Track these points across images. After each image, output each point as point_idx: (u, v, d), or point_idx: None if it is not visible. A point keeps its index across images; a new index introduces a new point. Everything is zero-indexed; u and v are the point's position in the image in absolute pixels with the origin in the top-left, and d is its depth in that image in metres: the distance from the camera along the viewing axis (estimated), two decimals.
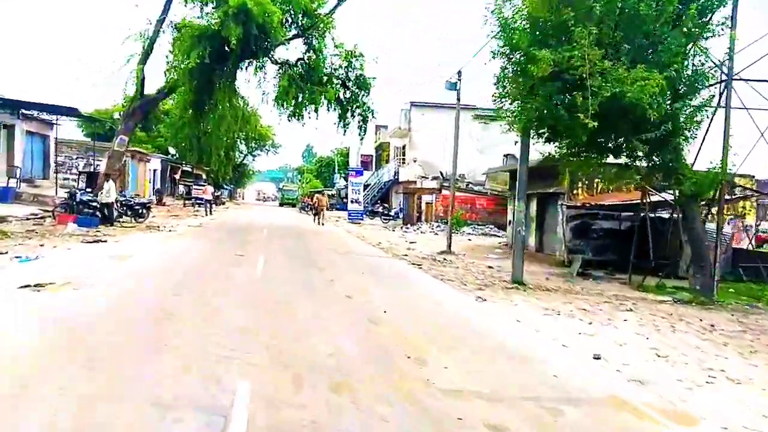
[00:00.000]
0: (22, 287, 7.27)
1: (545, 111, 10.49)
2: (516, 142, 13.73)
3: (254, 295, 8.44)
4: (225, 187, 68.33)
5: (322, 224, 28.69)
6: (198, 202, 43.39)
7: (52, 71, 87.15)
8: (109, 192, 18.70)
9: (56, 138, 26.56)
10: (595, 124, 9.40)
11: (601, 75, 10.00)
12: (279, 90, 22.13)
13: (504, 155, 39.56)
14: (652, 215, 16.20)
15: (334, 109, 25.60)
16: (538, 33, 10.47)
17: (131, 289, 7.95)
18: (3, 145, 23.52)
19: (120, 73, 21.18)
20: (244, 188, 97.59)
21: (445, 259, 18.50)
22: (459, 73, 21.26)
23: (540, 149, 14.24)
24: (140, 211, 21.88)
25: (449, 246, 21.05)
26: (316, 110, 24.47)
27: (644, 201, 15.45)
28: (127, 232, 17.40)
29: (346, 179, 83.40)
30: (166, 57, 21.28)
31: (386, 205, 42.47)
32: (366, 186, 42.07)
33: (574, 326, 8.50)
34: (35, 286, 7.36)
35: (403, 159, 42.17)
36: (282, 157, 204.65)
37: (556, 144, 13.37)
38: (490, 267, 17.10)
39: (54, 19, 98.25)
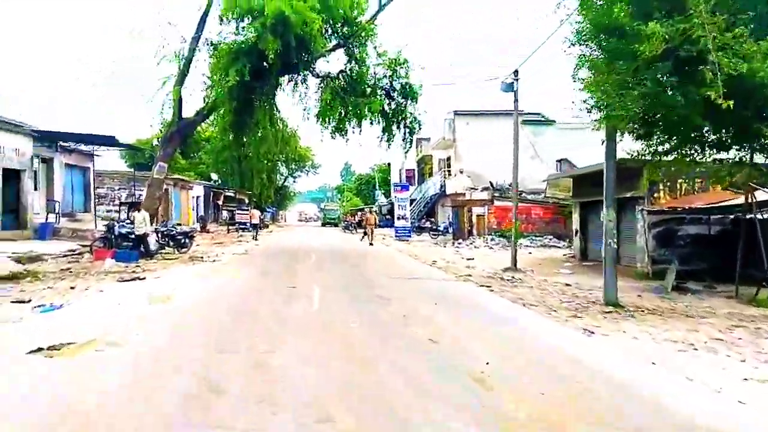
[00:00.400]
0: (32, 351, 5.79)
1: (654, 98, 8.58)
2: (603, 141, 11.82)
3: (318, 346, 6.78)
4: (267, 210, 67.84)
5: (372, 244, 27.12)
6: (242, 227, 42.55)
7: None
8: (143, 223, 17.45)
9: (94, 169, 25.80)
10: (731, 103, 7.48)
11: (721, 50, 8.06)
12: (321, 105, 20.75)
13: (557, 161, 37.36)
14: (761, 217, 13.97)
15: (378, 122, 24.16)
16: (639, 5, 8.61)
17: (166, 347, 6.36)
18: (42, 179, 22.83)
19: (156, 97, 20.14)
20: (286, 210, 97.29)
21: (513, 277, 16.60)
22: (515, 72, 19.41)
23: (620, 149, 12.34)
24: (183, 241, 20.72)
25: (514, 262, 19.09)
26: (359, 124, 23.05)
27: (749, 201, 13.26)
28: (169, 265, 16.14)
29: (387, 196, 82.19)
30: (203, 76, 20.24)
31: (432, 219, 40.68)
32: (411, 201, 40.31)
33: (729, 368, 6.55)
34: (49, 348, 5.85)
35: (449, 171, 40.37)
36: (321, 177, 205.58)
37: (644, 142, 11.45)
38: (567, 285, 15.12)
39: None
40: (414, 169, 56.08)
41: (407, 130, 24.42)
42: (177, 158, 57.52)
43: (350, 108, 21.25)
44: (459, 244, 31.05)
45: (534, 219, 32.24)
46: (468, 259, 22.32)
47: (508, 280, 16.13)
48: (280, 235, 40.36)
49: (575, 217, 23.30)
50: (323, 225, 78.71)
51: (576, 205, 23.28)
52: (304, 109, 22.63)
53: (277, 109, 22.53)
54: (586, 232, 22.83)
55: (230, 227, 40.12)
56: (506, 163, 38.82)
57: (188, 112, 21.30)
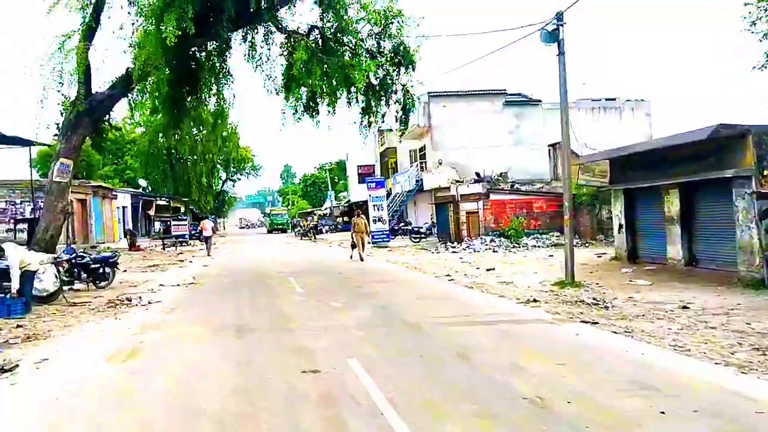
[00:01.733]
0: None
1: None
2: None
3: None
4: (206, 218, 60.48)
5: (363, 259, 20.91)
6: (182, 240, 35.73)
7: None
8: (17, 257, 10.52)
9: None
10: None
11: None
12: (295, 68, 14.55)
13: (549, 145, 32.67)
14: None
15: (357, 100, 18.44)
16: None
17: None
18: None
19: (49, 67, 13.52)
20: (225, 218, 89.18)
21: (595, 300, 11.27)
22: (559, 16, 13.96)
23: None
24: (101, 271, 14.29)
25: (572, 273, 13.75)
26: (335, 101, 17.16)
27: None
28: (71, 320, 9.76)
29: (336, 198, 75.97)
30: (122, 31, 13.84)
31: (408, 220, 35.17)
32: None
33: None
34: None
35: (423, 163, 34.96)
36: (260, 180, 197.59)
37: None
38: (685, 307, 10.02)
39: None
40: (374, 165, 50.40)
41: (400, 106, 18.79)
42: (93, 156, 49.55)
43: (331, 73, 15.27)
44: (453, 248, 25.69)
45: (536, 213, 27.29)
46: (488, 270, 17.00)
47: (594, 304, 10.85)
48: (230, 248, 33.74)
49: (617, 209, 18.32)
50: (269, 232, 71.90)
51: (618, 194, 18.32)
52: (269, 78, 16.47)
53: (227, 75, 16.07)
54: (634, 227, 17.92)
55: (165, 242, 33.15)
56: (491, 150, 33.95)
57: (100, 84, 14.87)
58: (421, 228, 30.52)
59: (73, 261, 13.97)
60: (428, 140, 34.20)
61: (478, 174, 30.08)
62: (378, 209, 29.34)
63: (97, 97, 14.44)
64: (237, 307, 10.50)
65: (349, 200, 54.56)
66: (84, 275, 14.07)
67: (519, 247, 24.77)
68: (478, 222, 27.28)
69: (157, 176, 49.49)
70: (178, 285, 14.70)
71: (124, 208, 40.64)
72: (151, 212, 36.21)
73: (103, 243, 34.10)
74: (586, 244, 24.89)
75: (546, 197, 27.73)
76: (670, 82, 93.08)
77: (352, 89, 17.35)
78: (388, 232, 29.51)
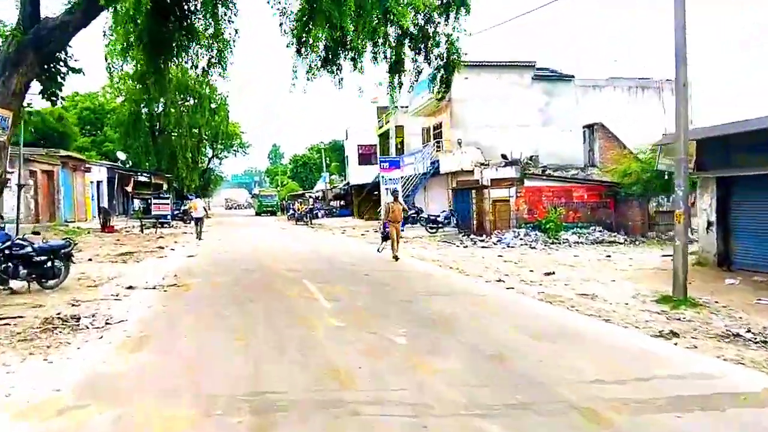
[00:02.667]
0: None
1: None
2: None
3: None
4: (190, 197, 56.01)
5: (398, 258, 16.08)
6: (163, 221, 31.63)
7: None
8: None
9: None
10: None
11: None
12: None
13: (585, 127, 28.94)
14: None
15: (386, 55, 14.56)
16: None
17: None
18: None
19: None
20: (211, 197, 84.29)
21: (750, 332, 7.68)
22: None
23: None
24: (48, 265, 10.34)
25: (683, 286, 10.06)
26: (362, 46, 13.17)
27: None
28: None
29: (340, 177, 71.40)
30: None
31: (418, 207, 31.21)
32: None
33: None
34: None
35: (438, 143, 31.04)
36: (246, 160, 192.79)
37: None
38: None
39: None
40: (375, 145, 46.34)
41: (442, 63, 14.90)
42: (68, 126, 44.84)
43: (368, 8, 11.27)
44: (481, 241, 22.01)
45: (576, 204, 23.62)
46: (546, 274, 13.36)
47: (745, 337, 7.37)
48: (220, 232, 29.65)
49: (705, 202, 14.64)
50: (258, 214, 67.71)
51: (707, 183, 14.64)
52: (282, 13, 12.39)
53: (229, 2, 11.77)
54: (727, 225, 14.32)
55: (146, 222, 28.98)
56: (518, 130, 30.05)
57: (54, 7, 10.77)
58: (438, 216, 26.67)
59: (8, 251, 10.00)
60: (446, 116, 30.29)
61: (505, 156, 26.28)
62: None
63: (47, 24, 10.31)
64: (245, 346, 6.56)
65: (348, 183, 50.54)
66: (24, 271, 10.11)
67: (559, 243, 21.12)
68: (508, 212, 23.54)
69: (138, 149, 45.03)
70: (154, 288, 10.74)
71: (99, 183, 36.32)
72: (129, 188, 31.93)
73: (73, 222, 29.91)
74: (637, 242, 21.37)
75: (586, 185, 24.03)
76: (710, 63, 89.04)
77: (387, 36, 13.43)
78: (402, 221, 25.58)
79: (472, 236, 23.59)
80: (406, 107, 39.67)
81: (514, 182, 23.15)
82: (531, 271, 14.08)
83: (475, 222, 25.21)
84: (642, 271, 14.15)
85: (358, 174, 46.02)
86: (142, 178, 41.84)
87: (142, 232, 27.14)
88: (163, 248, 19.33)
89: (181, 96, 43.77)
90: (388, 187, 25.34)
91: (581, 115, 29.67)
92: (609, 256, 17.35)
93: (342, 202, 55.34)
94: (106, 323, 7.53)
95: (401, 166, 26.47)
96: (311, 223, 37.87)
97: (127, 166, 46.26)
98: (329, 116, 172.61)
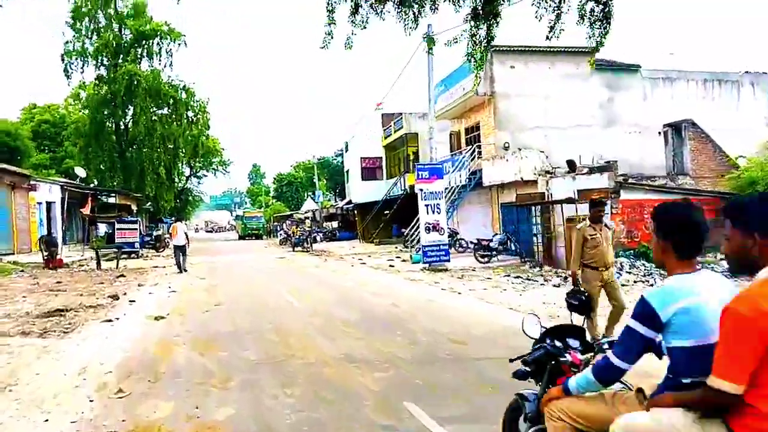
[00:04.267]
0: None
1: None
2: None
3: None
4: (166, 221, 48.99)
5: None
6: (129, 250, 24.94)
7: None
8: None
9: None
10: None
11: None
12: None
13: (666, 125, 23.04)
14: None
15: None
16: None
17: None
18: None
19: None
20: (188, 220, 76.74)
21: None
22: None
23: None
24: None
25: None
26: None
27: None
28: None
29: (338, 196, 64.69)
30: None
31: (453, 228, 24.87)
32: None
33: None
34: None
35: (479, 148, 24.81)
36: (227, 180, 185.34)
37: None
38: None
39: None
40: (381, 158, 40.06)
41: None
42: (21, 140, 37.93)
43: None
44: (564, 276, 15.78)
45: None
46: None
47: None
48: (204, 264, 22.87)
49: None
50: (241, 237, 60.94)
51: None
52: None
53: None
54: None
55: (101, 256, 21.80)
56: (576, 131, 23.45)
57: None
58: (491, 241, 20.35)
59: None
60: (486, 115, 24.19)
61: (571, 162, 20.17)
62: (434, 210, 19.12)
63: None
64: None
65: (350, 201, 44.09)
66: None
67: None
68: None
69: (102, 164, 38.15)
70: None
71: (50, 204, 29.35)
72: (86, 211, 25.09)
73: (11, 255, 22.98)
74: None
75: (702, 197, 17.99)
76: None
77: None
78: (446, 248, 19.30)
79: (545, 268, 17.47)
80: (411, 113, 34.15)
81: (609, 194, 17.01)
82: None
83: (541, 249, 19.10)
84: None
85: (362, 191, 39.64)
86: (109, 201, 34.88)
87: (99, 267, 20.34)
88: (117, 298, 12.67)
89: (153, 101, 37.10)
90: (429, 203, 18.96)
91: (650, 113, 23.92)
92: None
93: (337, 223, 48.92)
94: None
95: (443, 174, 20.20)
96: (312, 249, 31.32)
97: (92, 184, 39.30)
98: (316, 132, 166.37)
